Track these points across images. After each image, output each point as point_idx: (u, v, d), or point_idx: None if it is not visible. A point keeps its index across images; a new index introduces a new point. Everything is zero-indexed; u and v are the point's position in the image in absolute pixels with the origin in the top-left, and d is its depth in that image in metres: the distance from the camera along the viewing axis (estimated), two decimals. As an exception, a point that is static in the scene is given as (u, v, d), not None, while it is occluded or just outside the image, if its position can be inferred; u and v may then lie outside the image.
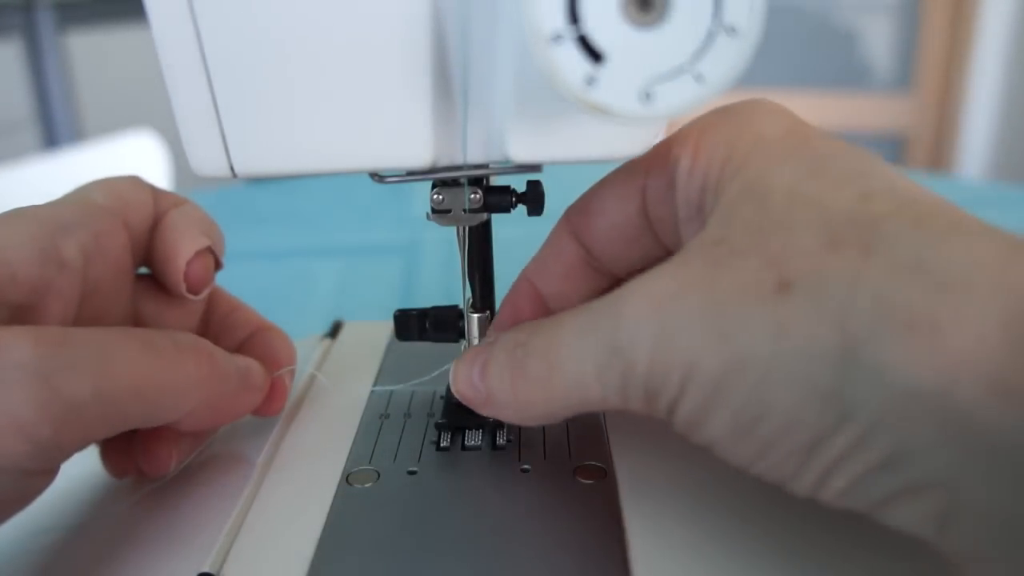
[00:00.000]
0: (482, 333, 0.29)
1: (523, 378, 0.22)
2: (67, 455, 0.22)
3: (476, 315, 0.29)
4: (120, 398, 0.22)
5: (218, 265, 0.29)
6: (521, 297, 0.28)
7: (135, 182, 0.28)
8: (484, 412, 0.24)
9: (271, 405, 0.29)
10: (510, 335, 0.24)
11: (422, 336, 0.30)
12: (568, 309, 0.23)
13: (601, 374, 0.21)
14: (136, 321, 0.28)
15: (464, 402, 0.25)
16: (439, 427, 0.29)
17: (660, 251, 0.26)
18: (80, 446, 0.22)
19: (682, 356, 0.19)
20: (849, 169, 0.20)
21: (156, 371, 0.23)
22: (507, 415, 0.24)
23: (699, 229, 0.22)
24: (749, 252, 0.19)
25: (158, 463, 0.27)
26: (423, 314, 0.30)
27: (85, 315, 0.25)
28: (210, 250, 0.28)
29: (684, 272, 0.20)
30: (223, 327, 0.31)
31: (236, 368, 0.27)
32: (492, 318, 0.29)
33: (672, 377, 0.19)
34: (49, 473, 0.22)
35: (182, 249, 0.27)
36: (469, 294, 0.29)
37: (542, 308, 0.27)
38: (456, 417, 0.29)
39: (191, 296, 0.28)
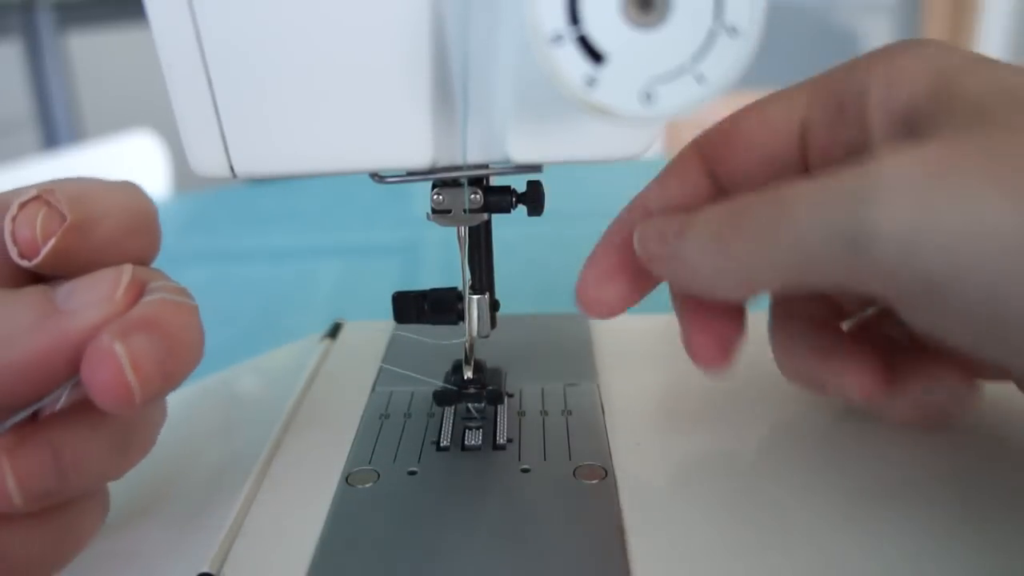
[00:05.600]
0: (482, 315, 0.29)
1: (739, 228, 0.21)
2: None
3: (476, 296, 0.29)
4: None
5: (63, 219, 0.21)
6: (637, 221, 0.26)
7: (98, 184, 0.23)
8: (664, 272, 0.24)
9: (95, 375, 0.18)
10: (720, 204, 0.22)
11: (420, 318, 0.30)
12: None
13: (844, 230, 0.18)
14: None
15: (643, 258, 0.24)
16: (436, 397, 0.29)
17: None
18: None
19: (962, 215, 0.17)
20: None
21: None
22: (696, 276, 0.22)
23: (911, 138, 0.21)
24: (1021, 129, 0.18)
25: None
26: (422, 295, 0.30)
27: None
28: (44, 200, 0.21)
29: (956, 144, 0.18)
30: None
31: (27, 299, 0.19)
32: (491, 302, 0.29)
33: (945, 241, 0.17)
34: None
35: (11, 207, 0.21)
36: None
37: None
38: (452, 393, 0.29)
39: (24, 262, 0.21)
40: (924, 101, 0.21)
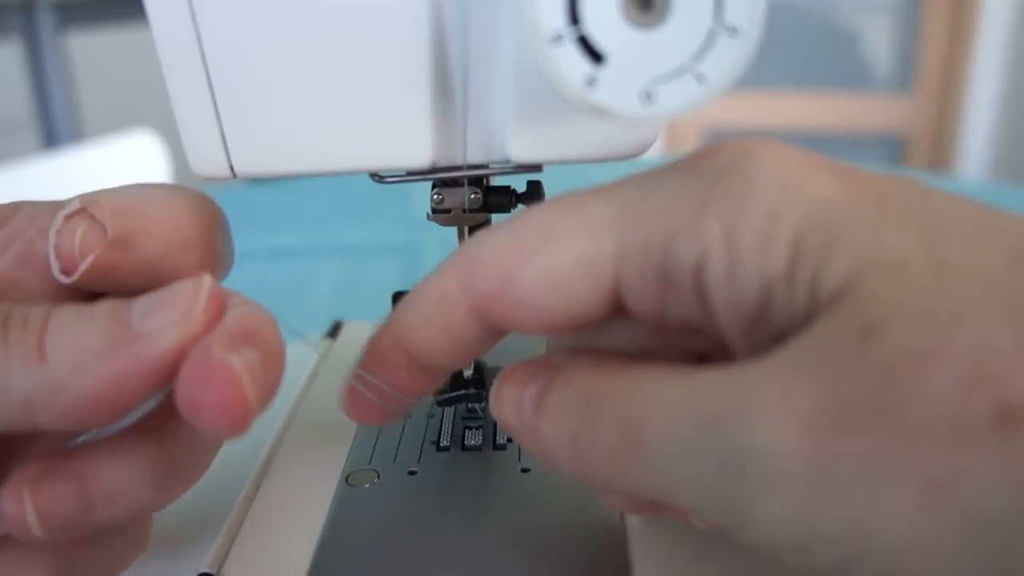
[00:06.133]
0: None
1: (591, 440, 0.17)
2: None
3: None
4: None
5: (103, 232, 0.19)
6: (394, 371, 0.21)
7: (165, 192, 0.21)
8: (528, 448, 0.19)
9: (204, 393, 0.17)
10: (580, 370, 0.18)
11: None
12: (640, 364, 0.18)
13: (707, 488, 0.16)
14: None
15: (504, 428, 0.20)
16: (436, 397, 0.29)
17: (635, 336, 0.20)
18: None
19: (854, 510, 0.14)
20: (950, 215, 0.16)
21: None
22: (559, 467, 0.19)
23: (770, 333, 0.17)
24: (926, 354, 0.14)
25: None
26: None
27: None
28: (88, 213, 0.19)
29: (831, 381, 0.14)
30: None
31: (96, 318, 0.18)
32: None
33: (836, 534, 0.14)
34: None
35: (55, 221, 0.19)
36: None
37: (420, 371, 0.21)
38: (453, 396, 0.29)
39: (63, 278, 0.19)
40: (782, 287, 0.16)
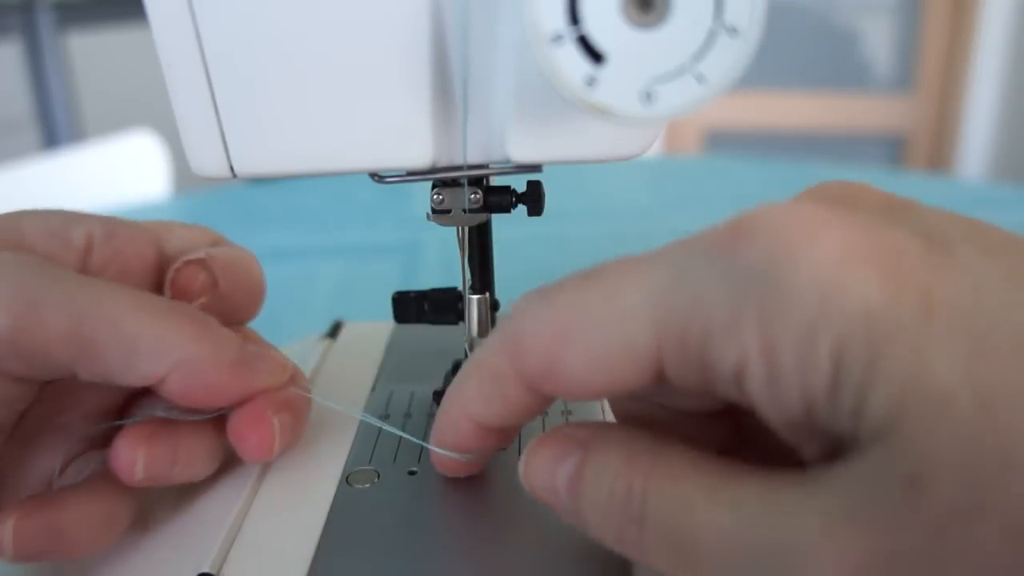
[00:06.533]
0: (481, 316, 0.29)
1: (638, 541, 0.18)
2: (27, 366, 0.21)
3: (475, 296, 0.29)
4: (88, 316, 0.21)
5: (215, 284, 0.26)
6: (466, 436, 0.23)
7: (205, 229, 0.28)
8: (570, 521, 0.21)
9: (251, 433, 0.24)
10: (613, 455, 0.19)
11: (420, 318, 0.30)
12: (681, 458, 0.18)
13: None
14: None
15: (537, 498, 0.21)
16: (436, 397, 0.29)
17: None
18: (39, 362, 0.21)
19: None
20: (1001, 316, 0.15)
21: (134, 310, 0.22)
22: (603, 541, 0.20)
23: (814, 432, 0.17)
24: (972, 510, 0.14)
25: (118, 456, 0.23)
26: (422, 296, 0.30)
27: None
28: (204, 263, 0.26)
29: (879, 531, 0.15)
30: None
31: (235, 342, 0.24)
32: (491, 302, 0.29)
33: None
34: (22, 385, 0.22)
35: (177, 262, 0.26)
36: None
37: (491, 432, 0.23)
38: None
39: None
40: (824, 404, 0.16)
